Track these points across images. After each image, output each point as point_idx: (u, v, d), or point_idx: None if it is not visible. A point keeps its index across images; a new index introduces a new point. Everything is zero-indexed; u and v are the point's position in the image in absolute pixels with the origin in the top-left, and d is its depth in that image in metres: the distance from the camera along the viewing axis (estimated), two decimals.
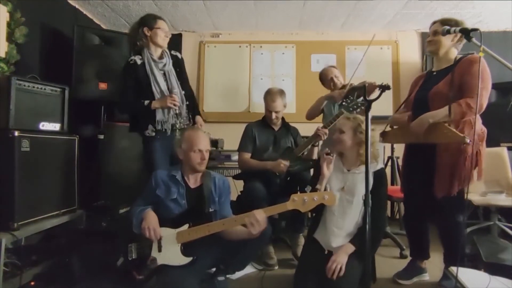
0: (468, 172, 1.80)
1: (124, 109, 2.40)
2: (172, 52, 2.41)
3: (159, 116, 2.20)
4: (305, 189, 1.69)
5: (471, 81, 1.76)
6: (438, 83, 1.91)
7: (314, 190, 1.81)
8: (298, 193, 1.66)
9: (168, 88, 2.27)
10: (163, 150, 2.24)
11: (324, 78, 2.87)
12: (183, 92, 2.33)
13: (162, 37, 2.28)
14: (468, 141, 1.73)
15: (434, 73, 2.02)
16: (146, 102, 2.18)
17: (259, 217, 1.63)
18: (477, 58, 1.74)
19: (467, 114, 1.77)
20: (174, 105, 2.19)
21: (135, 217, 1.80)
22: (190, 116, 2.39)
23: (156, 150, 2.23)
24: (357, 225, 1.83)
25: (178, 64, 2.41)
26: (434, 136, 1.83)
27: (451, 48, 1.96)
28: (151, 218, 1.77)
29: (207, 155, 1.92)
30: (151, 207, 1.85)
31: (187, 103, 2.36)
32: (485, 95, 1.79)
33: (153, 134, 2.22)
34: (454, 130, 1.76)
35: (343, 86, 2.76)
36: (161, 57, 2.31)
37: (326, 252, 1.84)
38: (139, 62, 2.24)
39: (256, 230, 1.63)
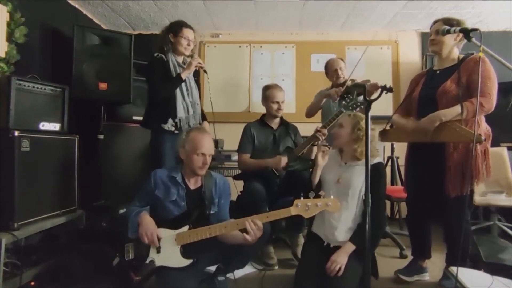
0: (478, 170, 1.83)
1: (154, 90, 2.34)
2: None
3: (180, 113, 2.30)
4: (309, 194, 1.70)
5: (481, 80, 1.76)
6: (445, 82, 1.91)
7: (317, 196, 1.82)
8: (301, 198, 1.66)
9: (187, 90, 2.39)
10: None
11: (329, 68, 2.86)
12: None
13: (184, 46, 2.39)
14: (484, 139, 1.75)
15: (438, 71, 2.02)
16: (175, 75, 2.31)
17: (258, 223, 1.62)
18: (483, 58, 1.74)
19: (479, 112, 1.77)
20: (200, 63, 2.33)
21: (131, 221, 1.76)
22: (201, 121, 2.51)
23: (171, 147, 2.25)
24: (356, 220, 1.83)
25: (196, 73, 2.53)
26: (444, 135, 1.82)
27: (453, 47, 1.97)
28: (147, 222, 1.72)
29: (209, 160, 1.86)
30: (147, 210, 1.82)
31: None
32: (495, 94, 1.81)
33: (173, 129, 2.27)
34: (467, 128, 1.76)
35: (345, 82, 2.75)
36: (183, 63, 2.44)
37: (325, 244, 1.85)
38: (164, 59, 2.35)
39: (253, 237, 1.62)
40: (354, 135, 1.85)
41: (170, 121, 2.28)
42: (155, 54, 2.36)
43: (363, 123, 1.82)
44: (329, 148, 1.93)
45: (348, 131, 1.87)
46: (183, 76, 2.28)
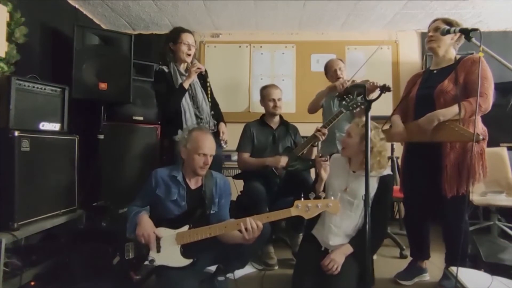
0: (475, 170, 1.83)
1: (162, 105, 2.42)
2: None
3: (185, 124, 2.28)
4: (309, 195, 1.69)
5: (478, 80, 1.75)
6: (442, 81, 1.90)
7: (317, 196, 1.81)
8: (302, 199, 1.66)
9: (192, 97, 2.37)
10: None
11: (329, 69, 2.85)
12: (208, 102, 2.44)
13: (186, 52, 2.36)
14: (482, 138, 1.75)
15: (435, 71, 2.02)
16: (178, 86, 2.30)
17: (258, 223, 1.62)
18: (480, 58, 1.74)
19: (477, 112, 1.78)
20: (199, 68, 2.30)
21: (129, 221, 1.77)
22: (215, 123, 2.46)
23: None
24: (357, 228, 1.83)
25: (202, 76, 2.48)
26: (443, 134, 1.82)
27: (450, 47, 1.97)
28: (145, 223, 1.73)
29: (210, 160, 1.86)
30: (146, 210, 1.82)
31: (212, 112, 2.44)
32: (492, 94, 1.81)
33: None
34: (466, 128, 1.76)
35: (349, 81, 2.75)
36: (186, 70, 2.40)
37: (322, 249, 1.85)
38: (166, 70, 2.34)
39: (250, 236, 1.61)
40: (362, 146, 1.78)
41: (179, 132, 2.25)
42: (157, 68, 2.36)
43: (372, 134, 1.76)
44: (327, 160, 1.90)
45: (356, 141, 1.83)
46: (185, 85, 2.27)
